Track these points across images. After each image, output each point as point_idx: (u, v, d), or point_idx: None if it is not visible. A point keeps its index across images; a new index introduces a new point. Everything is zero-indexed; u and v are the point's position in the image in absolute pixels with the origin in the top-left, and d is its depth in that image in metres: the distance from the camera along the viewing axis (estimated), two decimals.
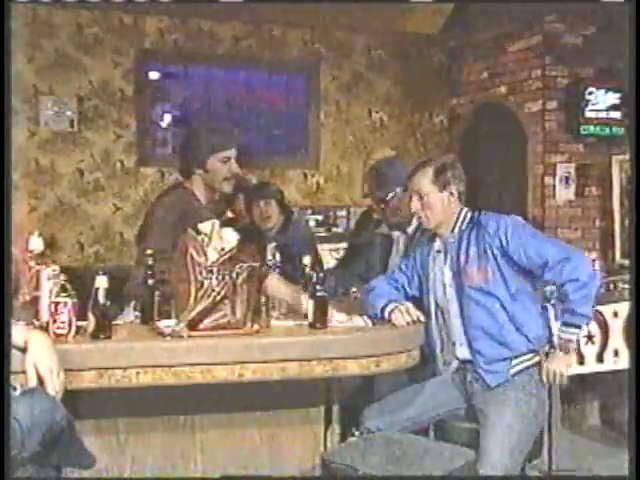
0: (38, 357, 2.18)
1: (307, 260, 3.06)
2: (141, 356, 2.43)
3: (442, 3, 6.44)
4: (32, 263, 2.59)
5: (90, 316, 2.44)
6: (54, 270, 2.53)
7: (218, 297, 2.53)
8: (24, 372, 2.17)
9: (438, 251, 3.06)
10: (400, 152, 6.72)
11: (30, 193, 5.93)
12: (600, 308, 4.33)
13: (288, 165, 6.69)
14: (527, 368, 2.94)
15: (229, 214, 4.91)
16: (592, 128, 5.87)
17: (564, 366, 2.95)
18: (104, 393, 2.51)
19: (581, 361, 4.25)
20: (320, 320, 2.69)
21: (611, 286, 5.21)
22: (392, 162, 4.04)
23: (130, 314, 2.88)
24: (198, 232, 2.63)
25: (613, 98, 5.86)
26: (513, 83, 6.17)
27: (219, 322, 2.54)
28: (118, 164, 6.16)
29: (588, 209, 6.01)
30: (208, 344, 2.49)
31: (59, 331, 2.40)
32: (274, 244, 3.34)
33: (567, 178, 5.92)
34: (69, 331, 2.41)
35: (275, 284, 2.94)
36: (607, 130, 5.90)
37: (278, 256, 3.22)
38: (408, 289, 3.11)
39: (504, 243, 2.89)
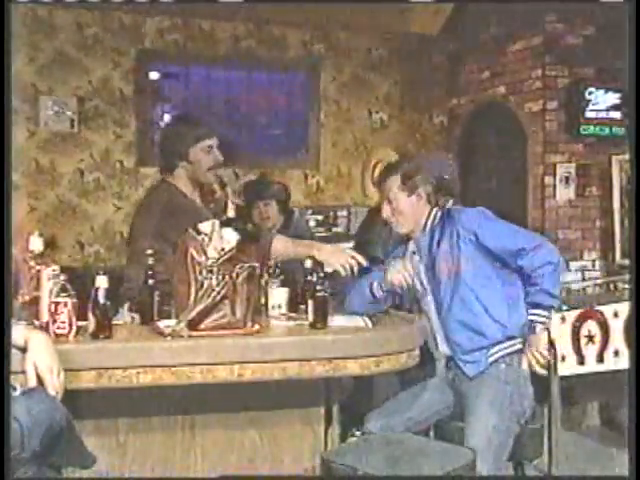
0: (38, 357, 2.18)
1: (309, 263, 3.06)
2: (141, 356, 2.43)
3: (442, 3, 6.44)
4: (32, 263, 2.59)
5: (90, 316, 2.44)
6: (54, 270, 2.53)
7: (218, 297, 2.53)
8: (24, 372, 2.17)
9: (413, 252, 3.10)
10: (400, 152, 6.71)
11: (30, 193, 5.93)
12: (600, 308, 4.33)
13: (288, 165, 6.69)
14: (505, 356, 2.96)
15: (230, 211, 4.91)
16: (592, 128, 5.87)
17: (541, 351, 2.98)
18: (104, 393, 2.51)
19: (581, 361, 4.24)
20: (320, 320, 2.69)
21: (611, 286, 5.22)
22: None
23: (125, 315, 2.87)
24: (198, 232, 2.63)
25: (613, 98, 5.86)
26: (513, 83, 6.16)
27: (219, 322, 2.54)
28: (118, 164, 6.15)
29: (588, 209, 6.00)
30: (208, 344, 2.49)
31: (59, 331, 2.40)
32: None
33: (567, 178, 5.92)
34: (69, 331, 2.41)
35: (282, 245, 2.95)
36: (607, 130, 5.89)
37: None
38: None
39: (478, 233, 2.94)
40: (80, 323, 2.45)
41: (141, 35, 6.28)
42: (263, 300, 2.98)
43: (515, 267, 2.97)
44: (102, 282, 2.46)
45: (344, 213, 6.62)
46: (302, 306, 2.92)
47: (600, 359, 4.29)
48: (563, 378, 3.81)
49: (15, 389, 2.11)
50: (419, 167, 3.11)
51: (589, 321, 4.29)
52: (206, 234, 2.62)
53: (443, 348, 3.04)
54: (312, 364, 2.55)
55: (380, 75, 6.95)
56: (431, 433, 3.09)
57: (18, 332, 2.22)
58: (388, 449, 2.60)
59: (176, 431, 2.74)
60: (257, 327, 2.61)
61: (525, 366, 2.98)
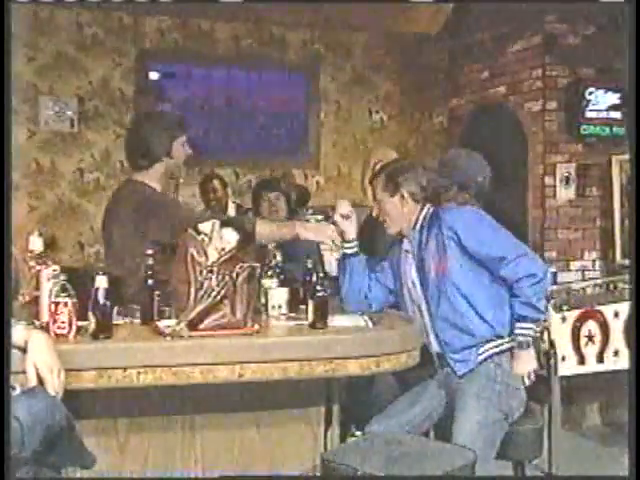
0: (38, 357, 2.18)
1: (309, 263, 3.06)
2: (141, 356, 2.43)
3: (442, 3, 6.43)
4: (32, 263, 2.59)
5: (90, 316, 2.44)
6: (54, 270, 2.53)
7: (218, 297, 2.53)
8: (24, 372, 2.17)
9: (406, 251, 3.11)
10: (400, 152, 6.71)
11: (30, 193, 5.93)
12: (600, 308, 4.33)
13: (288, 165, 6.69)
14: (494, 355, 2.97)
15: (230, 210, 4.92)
16: (592, 128, 5.86)
17: (529, 364, 2.98)
18: (104, 393, 2.51)
19: (581, 361, 4.25)
20: (320, 320, 2.69)
21: (611, 286, 5.21)
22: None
23: (115, 319, 2.83)
24: (198, 232, 2.63)
25: (613, 98, 5.85)
26: (513, 83, 6.16)
27: (219, 322, 2.54)
28: (118, 164, 6.15)
29: (588, 209, 6.00)
30: (208, 344, 2.49)
31: (59, 331, 2.40)
32: (274, 244, 3.33)
33: (567, 178, 5.91)
34: (69, 331, 2.41)
35: (267, 229, 2.97)
36: (607, 130, 5.89)
37: (279, 256, 3.23)
38: (391, 286, 3.17)
39: (460, 235, 2.94)
40: (80, 323, 2.45)
41: (141, 35, 6.28)
42: (263, 300, 2.98)
43: (498, 276, 2.96)
44: (102, 282, 2.46)
45: None
46: (302, 306, 2.92)
47: (600, 359, 4.31)
48: (563, 378, 3.82)
49: (14, 389, 2.11)
50: (402, 168, 3.15)
51: (589, 321, 4.32)
52: (206, 234, 2.62)
53: (434, 346, 3.05)
54: (312, 364, 2.55)
55: (380, 75, 6.95)
56: (431, 433, 3.09)
57: (18, 332, 2.22)
58: (388, 449, 2.60)
59: (176, 431, 2.74)
60: (257, 327, 2.61)
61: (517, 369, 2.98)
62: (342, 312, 2.98)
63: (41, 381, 2.16)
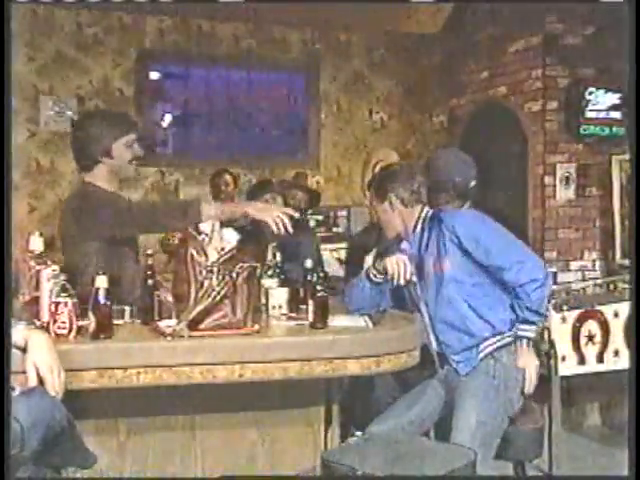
0: (38, 357, 2.18)
1: (309, 263, 3.06)
2: (141, 356, 2.42)
3: (442, 3, 6.44)
4: (32, 263, 2.58)
5: (90, 316, 2.44)
6: (54, 270, 2.53)
7: (218, 297, 2.52)
8: (24, 372, 2.17)
9: (405, 251, 3.10)
10: (400, 152, 6.72)
11: (30, 193, 5.94)
12: (600, 308, 4.33)
13: (288, 165, 6.69)
14: (494, 351, 2.97)
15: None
16: (592, 128, 5.86)
17: (531, 360, 2.99)
18: (104, 393, 2.51)
19: (581, 361, 4.25)
20: (320, 320, 2.69)
21: (611, 286, 5.21)
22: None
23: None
24: (199, 232, 2.63)
25: (613, 98, 5.85)
26: (513, 83, 6.16)
27: (219, 322, 2.54)
28: None
29: (588, 209, 6.00)
30: (208, 344, 2.48)
31: (59, 331, 2.40)
32: (274, 244, 3.34)
33: (567, 178, 5.92)
34: (69, 331, 2.41)
35: (213, 210, 2.97)
36: (607, 130, 5.89)
37: (279, 256, 3.23)
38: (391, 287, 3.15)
39: (461, 238, 2.94)
40: (80, 323, 2.45)
41: (141, 35, 6.28)
42: (263, 300, 2.98)
43: (499, 280, 2.96)
44: (102, 282, 2.45)
45: (344, 213, 6.62)
46: (302, 306, 2.92)
47: (600, 359, 4.31)
48: (563, 378, 3.82)
49: (14, 389, 2.11)
50: (389, 174, 3.18)
51: (589, 321, 4.32)
52: (206, 234, 2.62)
53: (435, 347, 3.05)
54: (312, 364, 2.55)
55: (380, 75, 6.96)
56: (431, 433, 3.09)
57: (18, 332, 2.22)
58: (388, 449, 2.60)
59: (176, 431, 2.74)
60: (257, 327, 2.61)
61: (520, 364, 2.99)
62: (342, 312, 2.97)
63: (41, 381, 2.16)
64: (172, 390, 2.54)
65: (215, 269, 2.53)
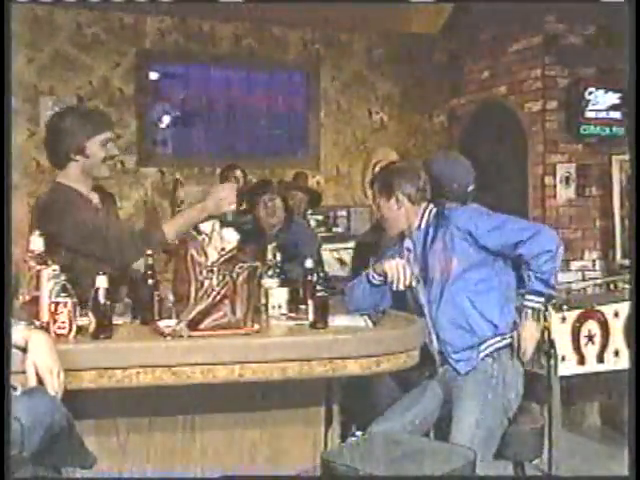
0: (38, 357, 2.18)
1: (309, 263, 3.06)
2: (141, 356, 2.42)
3: (442, 3, 6.44)
4: (32, 263, 2.58)
5: (90, 316, 2.44)
6: (54, 270, 2.52)
7: (218, 297, 2.52)
8: (24, 372, 2.17)
9: (408, 249, 3.11)
10: (400, 152, 6.73)
11: (30, 193, 5.92)
12: (601, 308, 4.33)
13: (288, 165, 6.69)
14: (494, 351, 2.98)
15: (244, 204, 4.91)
16: (592, 128, 5.86)
17: (534, 335, 3.01)
18: (104, 393, 2.51)
19: (581, 361, 4.25)
20: (320, 320, 2.69)
21: (611, 286, 5.21)
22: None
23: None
24: (199, 232, 2.63)
25: (613, 98, 5.85)
26: (513, 83, 6.16)
27: (219, 322, 2.54)
28: (118, 164, 6.16)
29: (588, 209, 6.00)
30: (208, 344, 2.48)
31: (59, 331, 2.40)
32: (274, 244, 3.34)
33: (567, 178, 5.91)
34: (69, 331, 2.41)
35: (171, 225, 2.96)
36: (607, 130, 5.89)
37: (279, 256, 3.23)
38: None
39: (474, 233, 2.95)
40: (80, 323, 2.45)
41: (141, 35, 6.29)
42: (263, 300, 2.98)
43: (513, 256, 2.98)
44: (102, 282, 2.45)
45: (344, 213, 6.63)
46: (302, 306, 2.92)
47: (600, 359, 4.31)
48: (563, 378, 3.81)
49: (15, 389, 2.11)
50: (395, 170, 3.16)
51: (589, 321, 4.32)
52: (206, 234, 2.62)
53: (435, 345, 3.04)
54: (312, 364, 2.55)
55: (380, 75, 6.96)
56: (431, 433, 3.09)
57: (18, 332, 2.22)
58: (388, 449, 2.60)
59: (176, 431, 2.74)
60: (257, 327, 2.61)
61: (516, 360, 3.00)
62: (342, 312, 2.97)
63: (41, 381, 2.16)
64: (172, 390, 2.54)
65: (215, 269, 2.53)
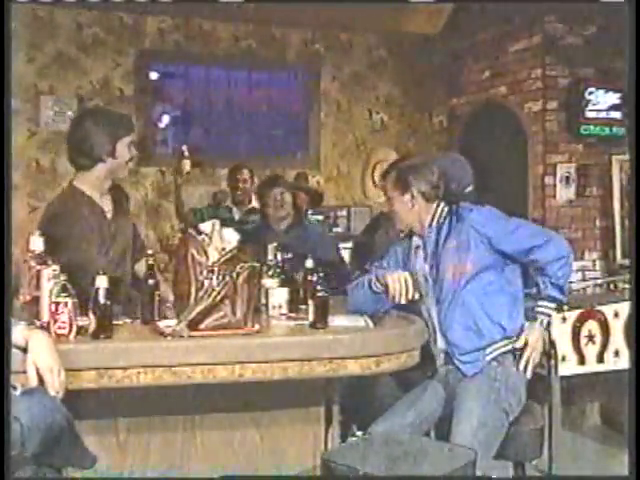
0: (39, 357, 2.18)
1: (309, 263, 3.06)
2: (141, 356, 2.43)
3: (442, 3, 6.44)
4: (32, 263, 2.58)
5: (91, 316, 2.44)
6: (54, 270, 2.52)
7: (218, 297, 2.53)
8: (25, 372, 2.17)
9: (417, 247, 3.09)
10: (400, 152, 6.72)
11: (30, 193, 5.93)
12: (601, 308, 4.34)
13: (288, 165, 6.69)
14: (499, 355, 2.97)
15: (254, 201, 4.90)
16: (592, 128, 5.87)
17: (540, 342, 3.01)
18: (104, 393, 2.51)
19: (582, 361, 4.25)
20: (321, 320, 2.69)
21: (612, 286, 5.22)
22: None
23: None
24: (199, 232, 2.63)
25: (613, 98, 5.86)
26: (513, 83, 6.17)
27: (219, 322, 2.54)
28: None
29: (588, 209, 6.01)
30: (208, 344, 2.49)
31: (60, 331, 2.40)
32: (275, 244, 3.33)
33: (567, 178, 5.92)
34: (70, 331, 2.41)
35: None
36: (607, 130, 5.90)
37: (279, 256, 3.22)
38: None
39: (492, 237, 2.94)
40: (81, 323, 2.45)
41: (141, 35, 6.28)
42: (263, 300, 2.98)
43: (526, 261, 2.98)
44: (102, 282, 2.46)
45: (344, 213, 6.62)
46: (302, 306, 2.92)
47: (600, 359, 4.31)
48: (563, 378, 3.81)
49: (16, 389, 2.11)
50: (412, 166, 3.11)
51: (589, 321, 4.32)
52: (207, 234, 2.62)
53: (441, 345, 3.03)
54: (312, 364, 2.55)
55: (380, 75, 6.96)
56: (431, 433, 3.08)
57: (18, 332, 2.22)
58: (388, 449, 2.60)
59: (176, 431, 2.74)
60: (257, 327, 2.61)
61: (521, 367, 2.98)
62: (342, 312, 2.97)
63: (41, 381, 2.17)
64: (172, 390, 2.54)
65: (215, 269, 2.54)
